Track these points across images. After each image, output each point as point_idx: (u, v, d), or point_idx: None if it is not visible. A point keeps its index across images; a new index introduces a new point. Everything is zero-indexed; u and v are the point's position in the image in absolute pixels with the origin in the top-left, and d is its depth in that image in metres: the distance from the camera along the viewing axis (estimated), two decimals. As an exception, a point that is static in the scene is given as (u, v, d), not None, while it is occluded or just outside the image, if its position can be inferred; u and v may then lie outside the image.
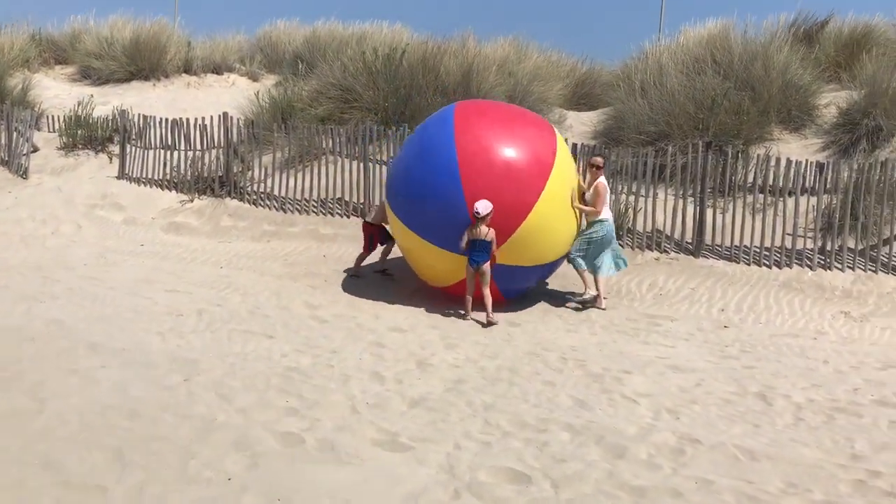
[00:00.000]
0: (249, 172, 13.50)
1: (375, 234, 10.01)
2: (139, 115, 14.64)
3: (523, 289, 9.18)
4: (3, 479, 4.25)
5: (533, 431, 5.30)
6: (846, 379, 6.84)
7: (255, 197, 13.18)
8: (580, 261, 9.09)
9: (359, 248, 10.23)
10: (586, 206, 8.98)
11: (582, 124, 14.57)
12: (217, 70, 20.01)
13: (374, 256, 10.14)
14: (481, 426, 5.37)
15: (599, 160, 9.28)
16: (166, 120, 14.31)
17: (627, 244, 10.86)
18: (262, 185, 13.25)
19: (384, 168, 12.51)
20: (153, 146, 14.27)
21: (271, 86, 17.36)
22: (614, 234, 9.30)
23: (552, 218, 8.49)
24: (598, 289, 9.13)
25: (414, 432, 5.19)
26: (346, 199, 12.59)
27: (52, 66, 20.34)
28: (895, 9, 23.95)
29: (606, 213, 9.10)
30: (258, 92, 15.53)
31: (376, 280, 9.91)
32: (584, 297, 9.10)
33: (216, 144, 13.83)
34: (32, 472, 4.35)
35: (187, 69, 19.74)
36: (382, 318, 8.26)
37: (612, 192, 11.20)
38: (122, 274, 9.78)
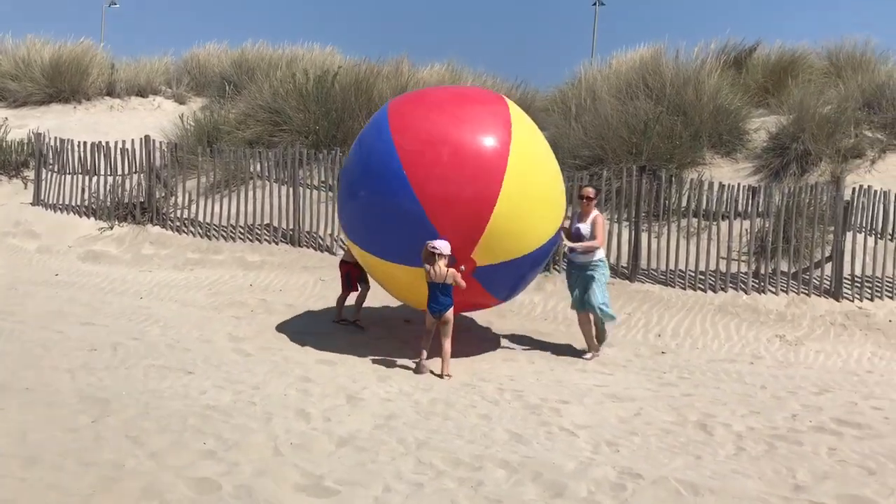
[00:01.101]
0: (173, 198, 12.98)
1: (353, 272, 8.77)
2: (56, 138, 13.98)
3: (518, 286, 8.14)
4: None
5: (467, 470, 5.00)
6: (784, 405, 6.75)
7: (178, 223, 12.65)
8: (611, 310, 8.21)
9: (288, 276, 9.85)
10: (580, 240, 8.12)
11: (516, 148, 14.47)
12: (142, 93, 19.39)
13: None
14: (413, 465, 5.04)
15: (591, 191, 8.27)
16: (85, 143, 13.69)
17: (563, 269, 10.70)
18: (186, 210, 12.74)
19: (315, 192, 12.17)
20: (71, 171, 13.62)
21: (198, 109, 16.86)
22: None
23: (523, 198, 7.24)
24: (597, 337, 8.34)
25: (341, 475, 4.83)
26: (275, 224, 12.18)
27: (-35, 88, 19.38)
28: (820, 36, 24.76)
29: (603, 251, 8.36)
30: (183, 115, 15.04)
31: (308, 308, 9.53)
32: (589, 354, 8.21)
33: (138, 169, 13.27)
34: None
35: (110, 92, 19.08)
36: (311, 350, 7.87)
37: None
38: (34, 306, 9.17)
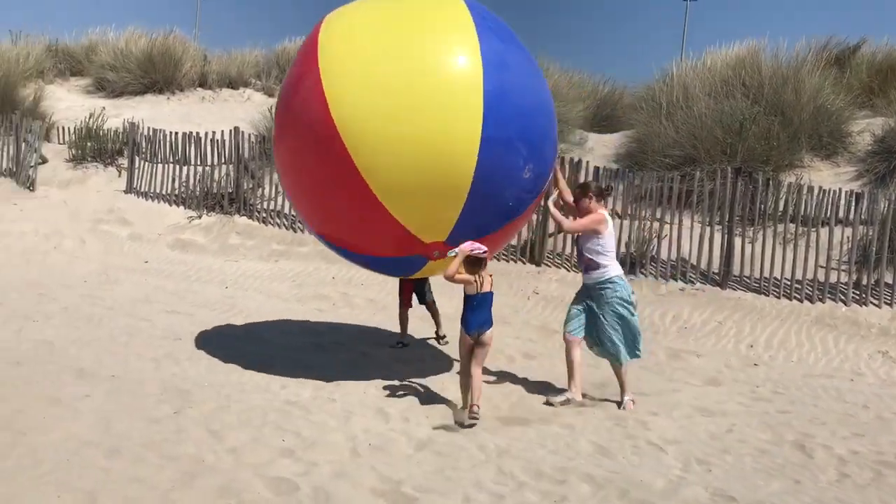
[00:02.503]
0: (260, 189, 13.13)
1: (406, 286, 7.74)
2: (150, 128, 14.33)
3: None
4: (-42, 528, 3.81)
5: (550, 482, 4.80)
6: (890, 427, 6.30)
7: (264, 215, 12.80)
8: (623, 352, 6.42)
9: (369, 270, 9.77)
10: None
11: (603, 146, 14.14)
12: (233, 84, 19.74)
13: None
14: (494, 475, 4.87)
15: (577, 192, 6.48)
16: (177, 133, 14.00)
17: (651, 273, 10.36)
18: (273, 202, 12.87)
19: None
20: (163, 160, 13.95)
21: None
22: None
23: (380, 118, 5.41)
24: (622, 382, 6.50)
25: (419, 481, 4.70)
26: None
27: (67, 78, 20.17)
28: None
29: (617, 264, 6.45)
30: (272, 107, 15.20)
31: (388, 304, 9.46)
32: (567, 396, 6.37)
33: (227, 160, 13.49)
34: (-7, 520, 3.91)
35: (202, 83, 19.49)
36: (390, 348, 7.78)
37: (636, 218, 10.74)
38: (123, 293, 9.39)
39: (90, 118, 15.35)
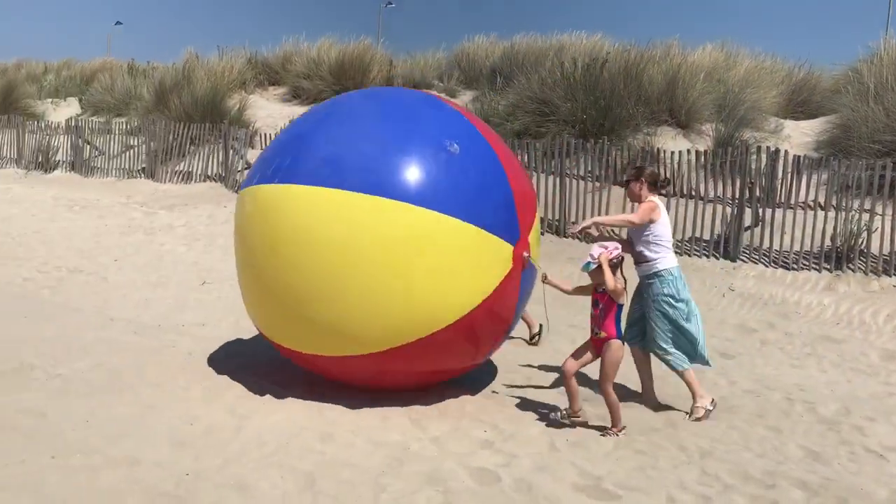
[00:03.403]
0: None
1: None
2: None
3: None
4: (200, 501, 4.20)
5: (759, 486, 4.60)
6: None
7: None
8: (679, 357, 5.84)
9: (552, 267, 9.77)
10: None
11: (802, 134, 13.32)
12: (417, 87, 20.34)
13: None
14: (697, 476, 4.74)
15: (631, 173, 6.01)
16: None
17: (860, 269, 9.63)
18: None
19: (580, 183, 12.04)
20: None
21: (468, 101, 17.37)
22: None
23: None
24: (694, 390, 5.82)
25: (620, 478, 4.66)
26: (541, 215, 12.20)
27: (266, 87, 21.63)
28: None
29: (672, 257, 5.87)
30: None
31: (572, 301, 9.38)
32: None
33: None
34: (226, 495, 4.28)
35: (388, 87, 20.24)
36: (580, 342, 7.72)
37: (842, 210, 10.05)
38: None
39: (289, 124, 16.38)
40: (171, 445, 4.85)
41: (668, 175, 10.83)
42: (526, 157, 12.67)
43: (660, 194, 5.89)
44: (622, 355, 5.37)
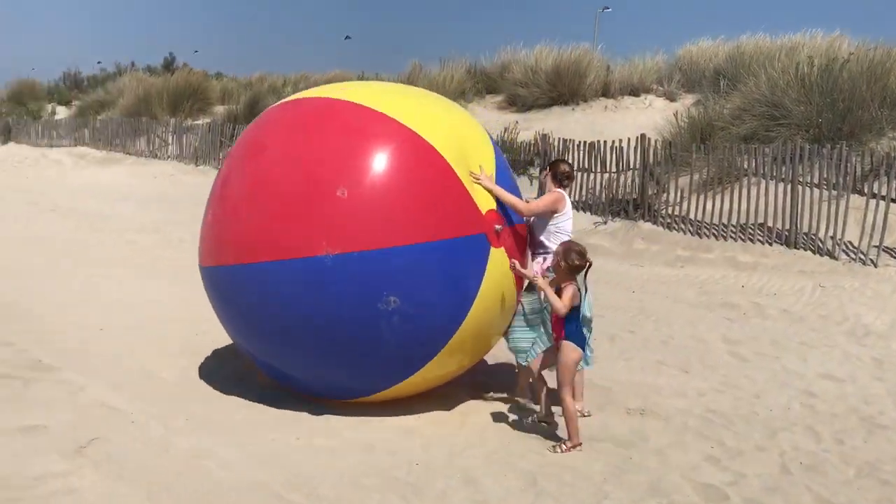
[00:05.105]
0: (664, 195, 13.13)
1: None
2: (559, 138, 15.16)
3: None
4: (426, 490, 4.42)
5: None
6: None
7: (668, 220, 12.77)
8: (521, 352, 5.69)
9: (783, 280, 9.27)
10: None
11: None
12: (634, 92, 20.04)
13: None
14: (955, 514, 4.32)
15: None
16: (583, 143, 14.60)
17: None
18: (677, 208, 12.79)
19: (814, 191, 11.27)
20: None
21: (689, 105, 16.84)
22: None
23: None
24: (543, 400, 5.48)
25: (861, 509, 4.35)
26: (769, 224, 11.56)
27: (484, 96, 22.20)
28: None
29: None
30: (677, 112, 15.14)
31: (803, 315, 8.84)
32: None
33: (631, 166, 13.73)
34: (453, 486, 4.48)
35: (605, 92, 20.09)
36: (811, 361, 7.27)
37: None
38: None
39: (505, 132, 16.71)
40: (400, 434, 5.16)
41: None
42: (753, 163, 12.08)
43: (562, 186, 5.85)
44: (576, 357, 5.08)
